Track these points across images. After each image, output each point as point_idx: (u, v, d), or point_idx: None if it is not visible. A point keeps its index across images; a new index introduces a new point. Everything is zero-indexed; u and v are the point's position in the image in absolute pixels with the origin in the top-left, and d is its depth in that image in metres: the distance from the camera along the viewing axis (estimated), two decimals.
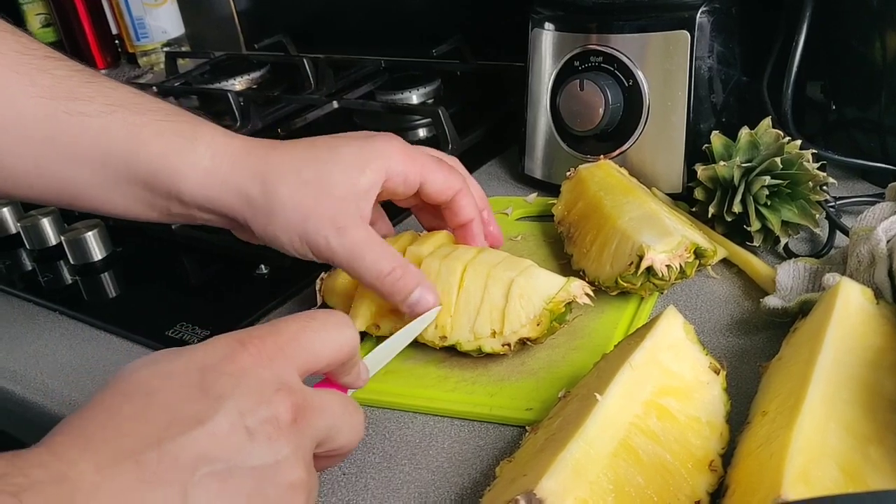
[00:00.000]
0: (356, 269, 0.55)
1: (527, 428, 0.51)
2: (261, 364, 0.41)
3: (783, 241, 0.62)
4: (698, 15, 0.70)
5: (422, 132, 0.99)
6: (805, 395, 0.41)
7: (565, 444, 0.41)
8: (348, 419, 0.44)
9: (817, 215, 0.61)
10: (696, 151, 0.70)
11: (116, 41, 1.58)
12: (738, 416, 0.47)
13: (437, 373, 0.58)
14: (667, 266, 0.57)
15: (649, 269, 0.57)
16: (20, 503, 0.32)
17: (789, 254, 0.63)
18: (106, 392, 0.39)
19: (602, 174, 0.68)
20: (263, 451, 0.38)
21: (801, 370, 0.44)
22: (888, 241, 0.51)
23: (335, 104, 0.98)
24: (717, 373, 0.48)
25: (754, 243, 0.62)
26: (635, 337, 0.50)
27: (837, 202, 0.67)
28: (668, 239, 0.58)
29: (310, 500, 0.41)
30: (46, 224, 0.85)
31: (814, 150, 0.63)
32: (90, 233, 0.81)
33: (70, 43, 1.52)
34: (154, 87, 1.20)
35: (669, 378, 0.46)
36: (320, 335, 0.44)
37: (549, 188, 0.79)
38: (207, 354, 0.40)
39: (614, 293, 0.60)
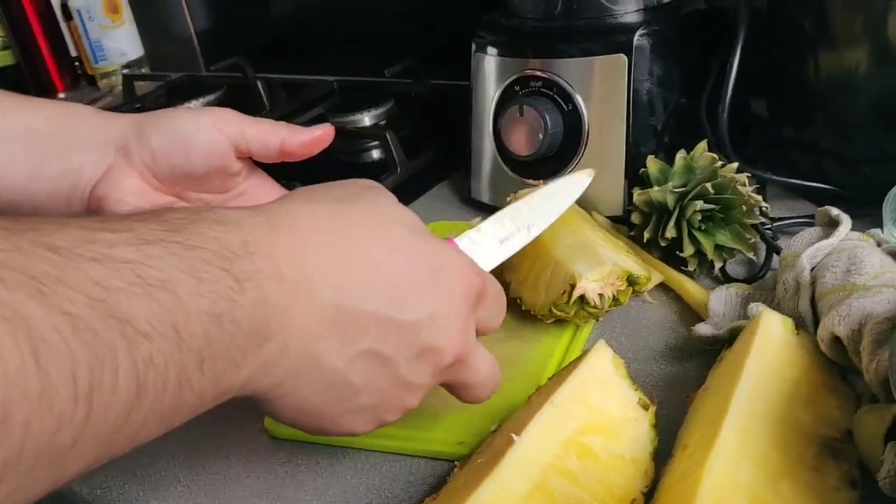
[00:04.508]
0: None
1: (455, 463, 0.50)
2: (470, 304, 0.44)
3: (717, 265, 0.62)
4: (635, 38, 0.70)
5: (375, 153, 0.99)
6: (720, 430, 0.41)
7: (478, 486, 0.40)
8: (483, 385, 0.46)
9: (751, 239, 0.62)
10: (636, 174, 0.70)
11: (76, 63, 1.57)
12: (670, 447, 0.47)
13: None
14: (599, 294, 0.57)
15: (582, 298, 0.57)
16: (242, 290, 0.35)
17: (726, 277, 0.63)
18: (366, 225, 0.42)
19: None
20: (416, 370, 0.42)
21: (720, 403, 0.44)
22: (812, 269, 0.51)
23: None
24: (647, 408, 0.48)
25: (689, 268, 0.62)
26: (567, 371, 0.50)
27: (775, 223, 0.67)
28: (600, 268, 0.58)
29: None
30: None
31: (749, 174, 0.63)
32: None
33: (28, 66, 1.50)
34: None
35: (594, 415, 0.46)
36: (500, 317, 0.48)
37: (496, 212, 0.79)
38: (453, 268, 0.43)
39: (550, 321, 0.60)
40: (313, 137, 0.58)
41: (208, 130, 0.56)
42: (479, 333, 0.46)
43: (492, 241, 0.53)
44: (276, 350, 0.37)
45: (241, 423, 0.57)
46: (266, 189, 0.61)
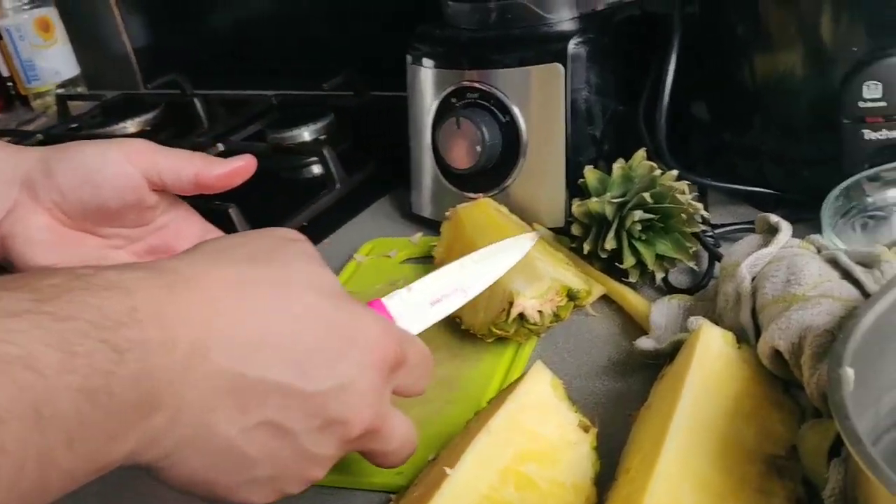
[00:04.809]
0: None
1: (391, 497, 0.48)
2: (384, 374, 0.41)
3: (659, 275, 0.61)
4: (570, 47, 0.69)
5: (315, 169, 0.97)
6: (660, 454, 0.40)
7: None
8: (397, 452, 0.45)
9: (692, 248, 0.61)
10: (577, 184, 0.68)
11: (9, 83, 1.52)
12: (614, 469, 0.45)
13: None
14: (539, 311, 0.56)
15: (521, 315, 0.56)
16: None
17: (669, 287, 0.62)
18: (270, 275, 0.40)
19: (479, 214, 0.66)
20: (320, 442, 0.40)
21: (661, 423, 0.42)
22: (753, 279, 0.50)
23: (220, 146, 0.95)
24: (587, 431, 0.46)
25: (631, 279, 0.61)
26: (504, 394, 0.48)
27: (717, 230, 0.66)
28: (539, 283, 0.56)
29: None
30: None
31: (688, 182, 0.62)
32: None
33: None
34: (40, 135, 1.15)
35: (532, 441, 0.44)
36: (424, 381, 0.46)
37: (438, 227, 0.77)
38: (366, 335, 0.41)
39: (490, 340, 0.58)
40: (231, 169, 0.55)
41: (118, 163, 0.53)
42: (401, 395, 0.44)
43: (423, 302, 0.50)
44: (165, 421, 0.35)
45: None
46: (189, 223, 0.59)
